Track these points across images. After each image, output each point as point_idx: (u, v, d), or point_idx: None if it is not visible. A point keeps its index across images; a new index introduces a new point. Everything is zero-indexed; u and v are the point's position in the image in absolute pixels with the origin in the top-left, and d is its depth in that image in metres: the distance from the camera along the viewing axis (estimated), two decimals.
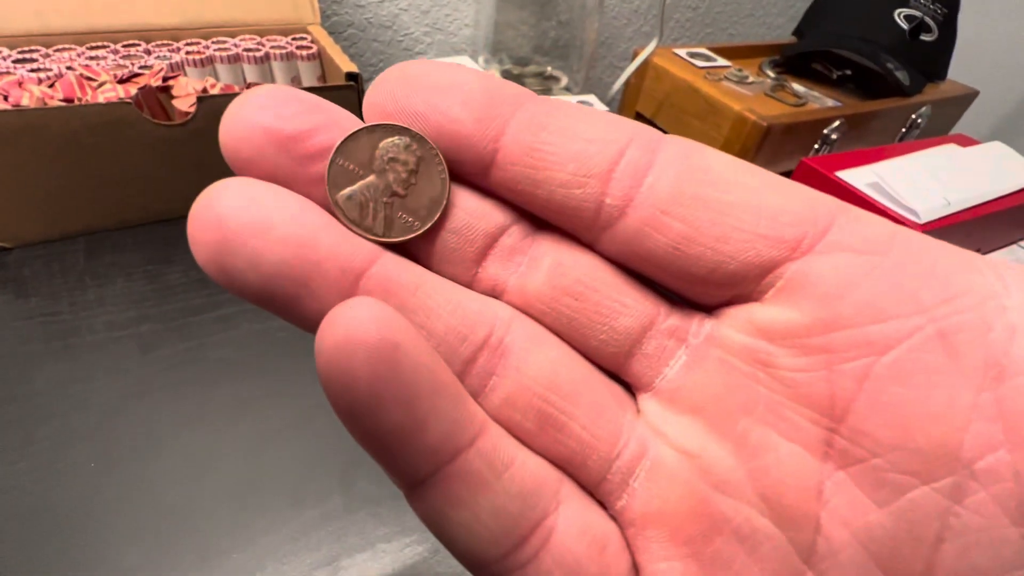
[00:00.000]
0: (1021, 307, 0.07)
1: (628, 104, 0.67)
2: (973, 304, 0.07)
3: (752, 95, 0.56)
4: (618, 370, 0.10)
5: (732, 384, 0.08)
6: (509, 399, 0.09)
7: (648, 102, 0.64)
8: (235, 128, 0.08)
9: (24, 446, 0.24)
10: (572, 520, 0.09)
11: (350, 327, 0.07)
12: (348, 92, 0.37)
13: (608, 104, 0.57)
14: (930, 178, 0.45)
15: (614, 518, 0.09)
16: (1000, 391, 0.07)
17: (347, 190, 0.09)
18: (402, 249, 0.09)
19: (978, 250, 0.50)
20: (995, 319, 0.07)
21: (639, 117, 0.66)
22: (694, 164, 0.08)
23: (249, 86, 0.39)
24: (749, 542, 0.08)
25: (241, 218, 0.08)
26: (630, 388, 0.10)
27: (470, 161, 0.09)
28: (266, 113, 0.08)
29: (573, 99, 0.56)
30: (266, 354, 0.30)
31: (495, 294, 0.10)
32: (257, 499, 0.24)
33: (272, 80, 0.42)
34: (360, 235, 0.09)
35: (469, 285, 0.10)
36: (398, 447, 0.08)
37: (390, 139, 0.09)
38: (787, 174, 0.50)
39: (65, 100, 0.32)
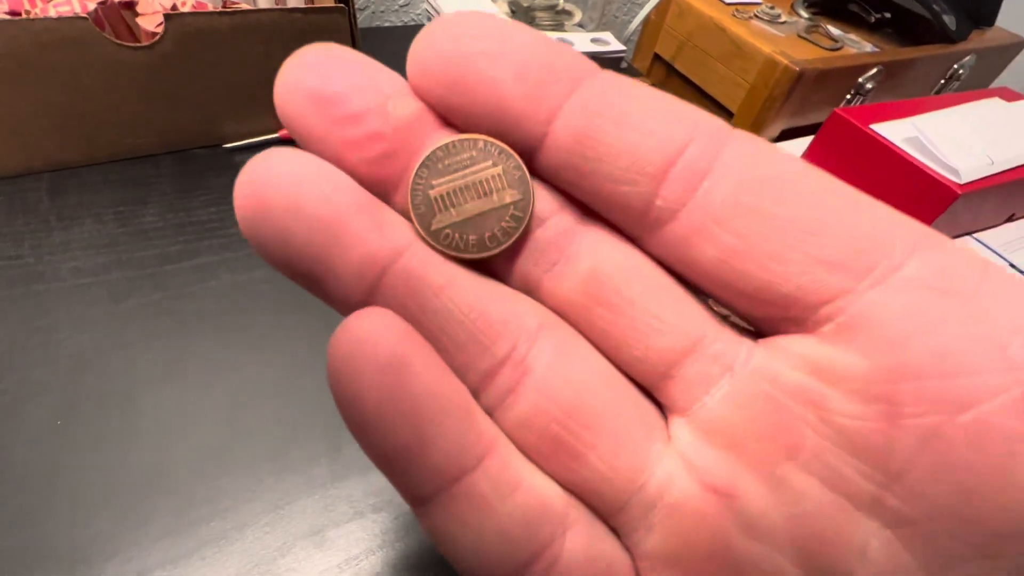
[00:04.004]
0: None
1: (646, 44, 0.62)
2: None
3: (784, 36, 0.52)
4: (652, 388, 0.09)
5: (777, 423, 0.08)
6: (526, 420, 0.09)
7: (668, 42, 0.59)
8: (284, 89, 0.08)
9: None
10: (579, 547, 0.08)
11: (362, 341, 0.07)
12: (338, 16, 0.33)
13: (625, 44, 0.52)
14: (973, 134, 0.41)
15: (628, 550, 0.09)
16: None
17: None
18: None
19: (1011, 216, 0.47)
20: None
21: (657, 59, 0.61)
22: (759, 170, 0.08)
23: (225, 4, 0.35)
24: None
25: (277, 193, 0.08)
26: (662, 406, 0.09)
27: (515, 141, 0.08)
28: (311, 73, 0.08)
29: (587, 36, 0.51)
30: (247, 308, 0.27)
31: (527, 291, 0.09)
32: (237, 463, 0.22)
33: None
34: (443, 253, 0.09)
35: (502, 279, 0.09)
36: (403, 466, 0.08)
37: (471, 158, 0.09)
38: (815, 127, 0.46)
39: (10, 13, 0.28)
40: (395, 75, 0.09)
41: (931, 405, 0.07)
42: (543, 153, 0.08)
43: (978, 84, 0.63)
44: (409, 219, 0.09)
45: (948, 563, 0.07)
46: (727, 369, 0.08)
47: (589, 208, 0.09)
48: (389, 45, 0.51)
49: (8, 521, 0.19)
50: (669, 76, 0.61)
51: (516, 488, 0.08)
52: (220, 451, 0.22)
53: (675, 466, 0.08)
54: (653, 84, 0.51)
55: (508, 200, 0.09)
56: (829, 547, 0.07)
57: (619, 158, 0.08)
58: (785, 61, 0.46)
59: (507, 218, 0.09)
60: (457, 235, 0.09)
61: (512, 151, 0.08)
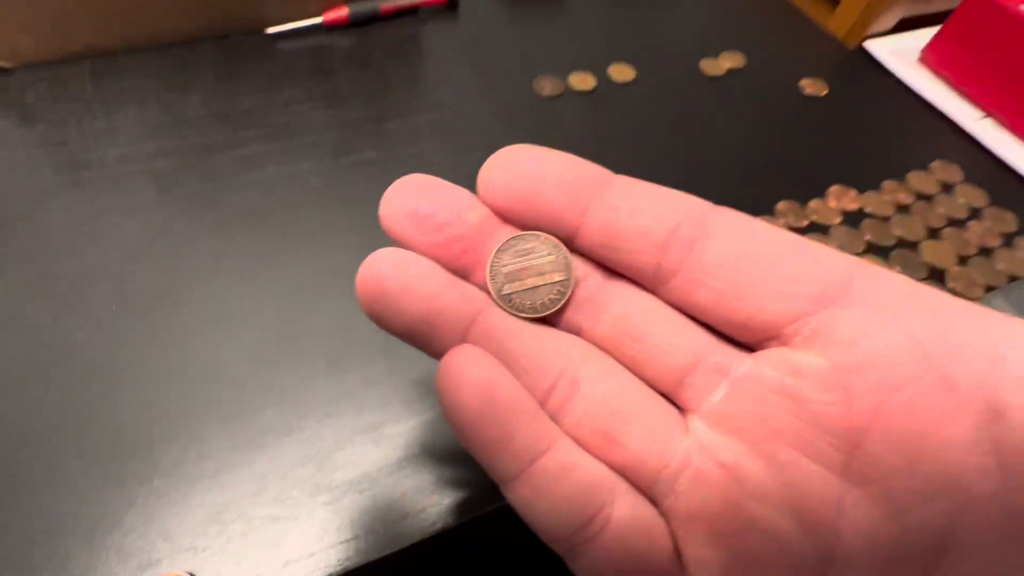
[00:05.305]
0: (1019, 360, 0.09)
1: None
2: (976, 356, 0.09)
3: None
4: (670, 395, 0.11)
5: (766, 412, 0.10)
6: (579, 420, 0.11)
7: None
8: (389, 212, 0.11)
9: (41, 283, 0.22)
10: (626, 511, 0.11)
11: (462, 367, 0.11)
12: None
13: None
14: None
15: (663, 514, 0.11)
16: (996, 430, 0.08)
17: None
18: None
19: None
20: (995, 369, 0.09)
21: None
22: (735, 235, 0.11)
23: None
24: (776, 542, 0.10)
25: (392, 283, 0.11)
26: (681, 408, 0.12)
27: (558, 232, 0.11)
28: (408, 199, 0.11)
29: None
30: (297, 200, 0.25)
31: (573, 332, 0.12)
32: (291, 358, 0.21)
33: None
34: (508, 312, 0.12)
35: (554, 325, 0.12)
36: (494, 454, 0.11)
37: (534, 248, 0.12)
38: (943, 15, 0.38)
39: None
40: (465, 191, 0.12)
41: (874, 389, 0.09)
42: (579, 238, 0.11)
43: None
44: (485, 289, 0.12)
45: (902, 509, 0.09)
46: (724, 375, 0.11)
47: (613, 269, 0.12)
48: None
49: (68, 401, 0.19)
50: None
51: (575, 468, 0.11)
52: (273, 345, 0.21)
53: (693, 448, 0.11)
54: None
55: (556, 279, 0.12)
56: (814, 505, 0.09)
57: (633, 237, 0.11)
58: None
59: (554, 293, 0.12)
60: (518, 300, 0.12)
61: (562, 244, 0.12)
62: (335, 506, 0.18)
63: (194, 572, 0.16)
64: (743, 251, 0.10)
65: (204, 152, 0.27)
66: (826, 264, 0.10)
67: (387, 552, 0.17)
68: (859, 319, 0.09)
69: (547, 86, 0.32)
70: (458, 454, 0.19)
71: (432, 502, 0.18)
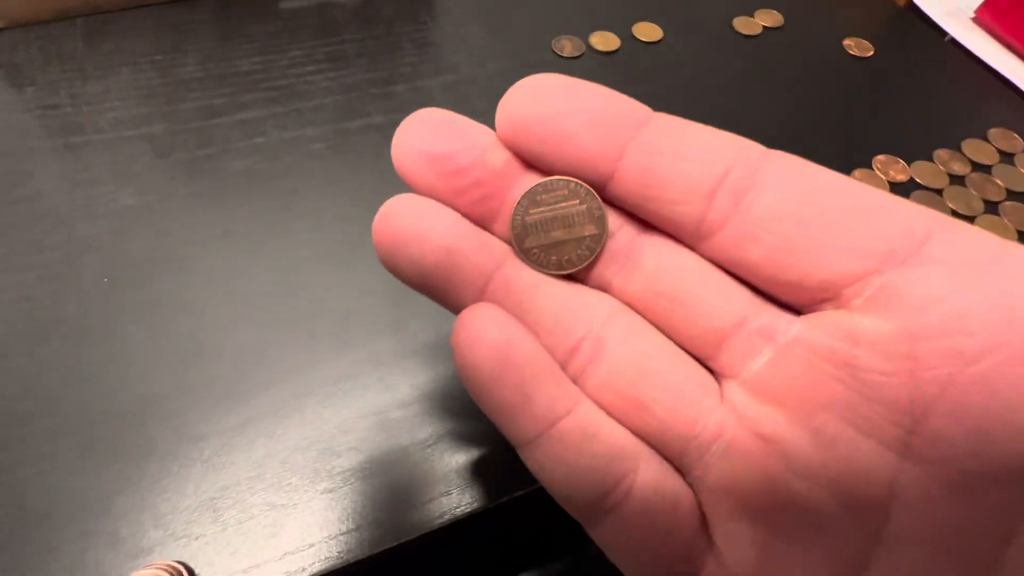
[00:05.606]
0: None
1: None
2: None
3: None
4: (705, 359, 0.11)
5: (814, 381, 0.09)
6: (603, 383, 0.10)
7: None
8: (401, 151, 0.10)
9: (33, 254, 0.21)
10: (649, 479, 0.10)
11: (476, 326, 0.10)
12: None
13: None
14: None
15: (691, 485, 0.10)
16: None
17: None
18: None
19: None
20: None
21: None
22: (793, 183, 0.09)
23: None
24: (816, 521, 0.09)
25: (407, 230, 0.10)
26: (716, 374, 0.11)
27: (589, 178, 0.10)
28: (422, 137, 0.10)
29: None
30: (299, 168, 0.24)
31: (601, 289, 0.11)
32: (292, 334, 0.20)
33: None
34: (532, 267, 0.11)
35: (582, 281, 0.11)
36: (512, 416, 0.10)
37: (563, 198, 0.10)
38: None
39: None
40: (486, 129, 0.10)
41: (946, 359, 0.08)
42: (613, 185, 0.10)
43: None
44: (508, 241, 0.11)
45: (966, 493, 0.08)
46: (769, 339, 0.10)
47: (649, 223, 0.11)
48: None
49: (62, 376, 0.18)
50: None
51: (597, 432, 0.10)
52: (274, 321, 0.20)
53: (727, 417, 0.10)
54: None
55: (586, 233, 0.10)
56: (863, 483, 0.09)
57: (676, 185, 0.10)
58: None
59: (582, 248, 0.11)
60: (542, 255, 0.11)
61: (594, 192, 0.10)
62: (337, 494, 0.17)
63: (187, 562, 0.15)
64: (802, 202, 0.09)
65: (202, 116, 0.25)
66: (900, 217, 0.09)
67: (391, 544, 0.16)
68: (935, 279, 0.08)
69: (567, 46, 0.30)
70: (469, 441, 0.18)
71: (440, 492, 0.17)
